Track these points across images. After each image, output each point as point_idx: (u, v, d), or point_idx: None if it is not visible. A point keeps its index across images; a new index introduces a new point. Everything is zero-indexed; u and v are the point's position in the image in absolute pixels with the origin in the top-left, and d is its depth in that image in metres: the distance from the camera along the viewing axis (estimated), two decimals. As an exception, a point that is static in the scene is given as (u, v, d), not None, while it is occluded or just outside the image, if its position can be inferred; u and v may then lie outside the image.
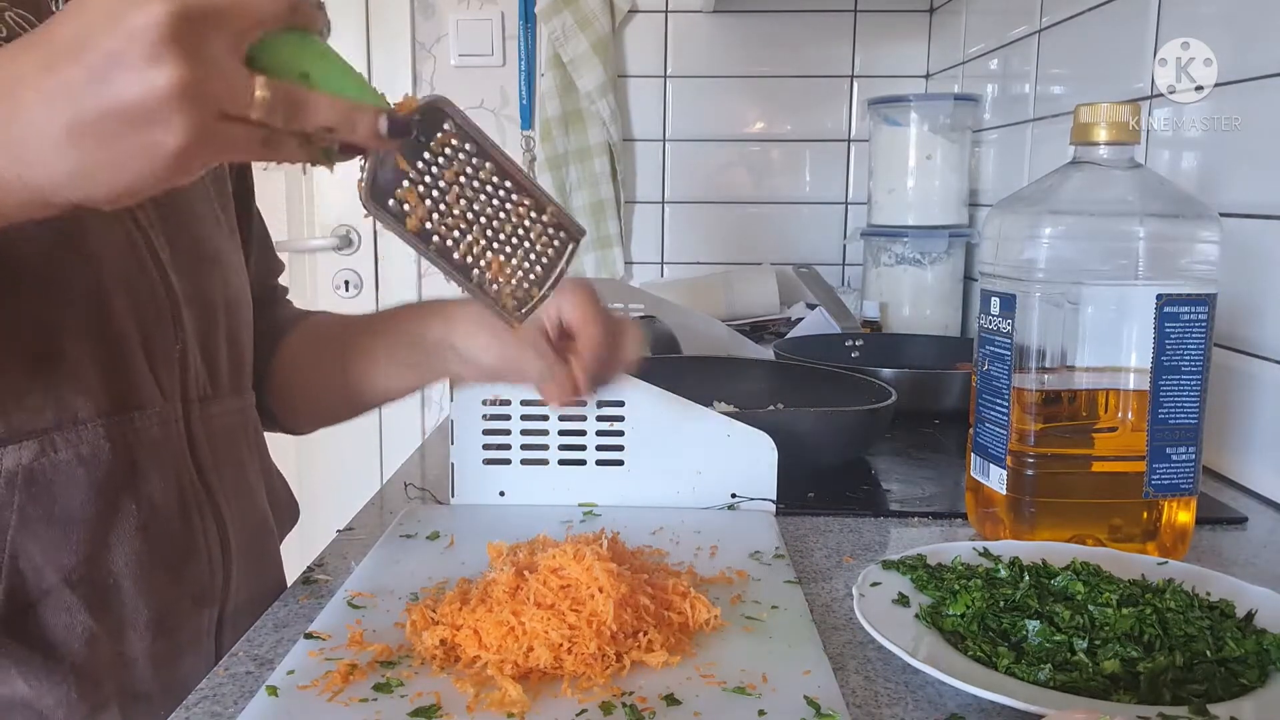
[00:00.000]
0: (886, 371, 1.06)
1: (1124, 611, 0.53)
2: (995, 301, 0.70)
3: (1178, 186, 0.72)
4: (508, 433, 0.78)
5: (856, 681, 0.52)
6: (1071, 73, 1.30)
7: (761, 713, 0.47)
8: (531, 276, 0.55)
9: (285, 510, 0.80)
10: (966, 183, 1.62)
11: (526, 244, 0.54)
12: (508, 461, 0.79)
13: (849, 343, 1.34)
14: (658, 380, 0.78)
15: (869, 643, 0.56)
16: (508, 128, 1.97)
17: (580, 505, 0.79)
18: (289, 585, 0.66)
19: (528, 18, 1.91)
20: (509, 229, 0.53)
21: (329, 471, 1.93)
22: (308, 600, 0.62)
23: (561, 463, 0.79)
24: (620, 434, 0.78)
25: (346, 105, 0.45)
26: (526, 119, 1.95)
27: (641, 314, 1.36)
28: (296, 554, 0.78)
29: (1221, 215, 0.68)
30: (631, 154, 1.96)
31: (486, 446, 0.79)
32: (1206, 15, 0.96)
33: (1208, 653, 0.50)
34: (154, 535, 0.61)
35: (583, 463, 0.78)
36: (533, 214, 0.54)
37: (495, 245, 0.53)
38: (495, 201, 0.53)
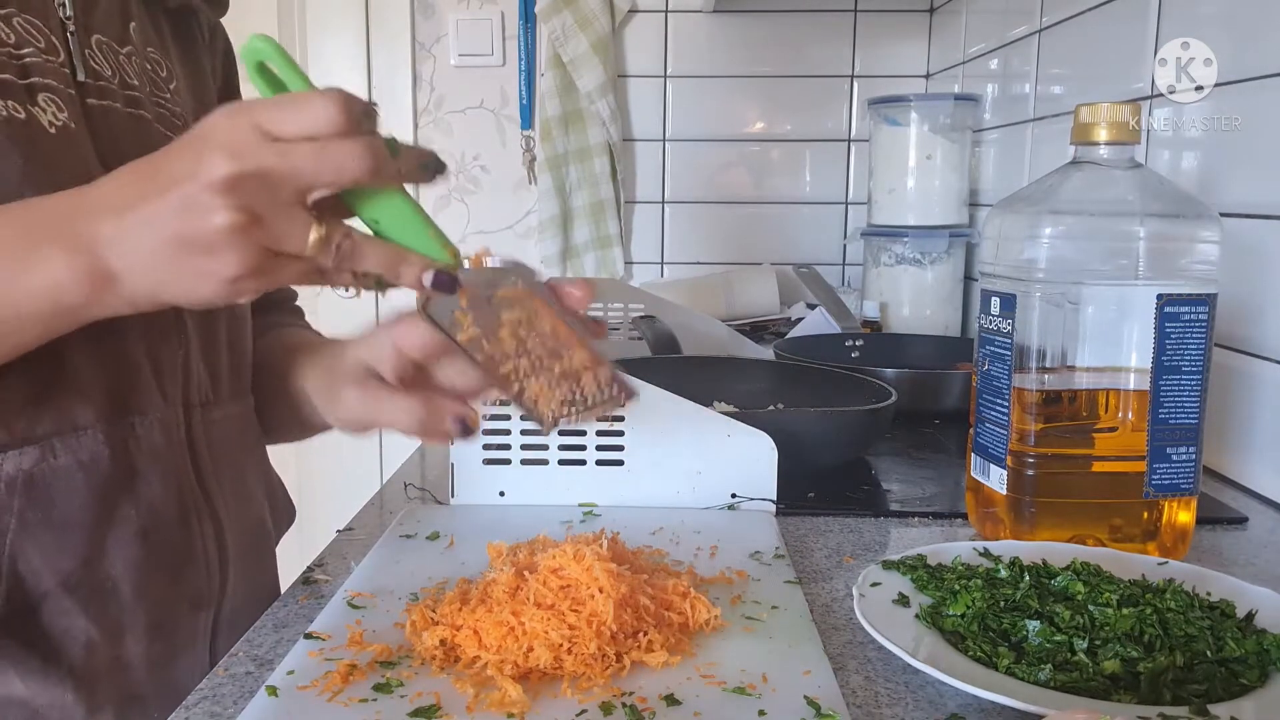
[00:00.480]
0: (886, 371, 1.06)
1: (1124, 611, 0.53)
2: (995, 301, 0.70)
3: (1178, 186, 0.72)
4: (508, 433, 0.78)
5: (857, 681, 0.52)
6: (1071, 73, 1.30)
7: (761, 713, 0.47)
8: (574, 405, 0.55)
9: (283, 513, 0.80)
10: (966, 183, 1.62)
11: (576, 385, 0.55)
12: (508, 461, 0.79)
13: (849, 343, 1.34)
14: (658, 380, 0.78)
15: (869, 643, 0.56)
16: (508, 128, 1.97)
17: (580, 505, 0.79)
18: (289, 586, 0.66)
19: (528, 18, 1.91)
20: (559, 369, 0.54)
21: (329, 471, 1.93)
22: (308, 600, 0.62)
23: (561, 463, 0.79)
24: (620, 434, 0.78)
25: (395, 255, 0.51)
26: (526, 119, 1.95)
27: (641, 314, 1.36)
28: (296, 554, 0.78)
29: (1221, 215, 0.68)
30: (631, 154, 1.96)
31: (486, 446, 0.79)
32: (1206, 15, 0.96)
33: (1208, 653, 0.50)
34: (153, 540, 0.61)
35: (583, 463, 0.78)
36: (588, 368, 0.55)
37: (543, 376, 0.55)
38: (549, 346, 0.54)
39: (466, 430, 0.58)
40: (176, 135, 0.54)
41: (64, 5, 0.59)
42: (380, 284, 0.52)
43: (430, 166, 0.52)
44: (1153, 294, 0.66)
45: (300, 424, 0.73)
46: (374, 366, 0.60)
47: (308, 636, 0.55)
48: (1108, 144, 0.68)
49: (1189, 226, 0.67)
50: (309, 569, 0.68)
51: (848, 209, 1.97)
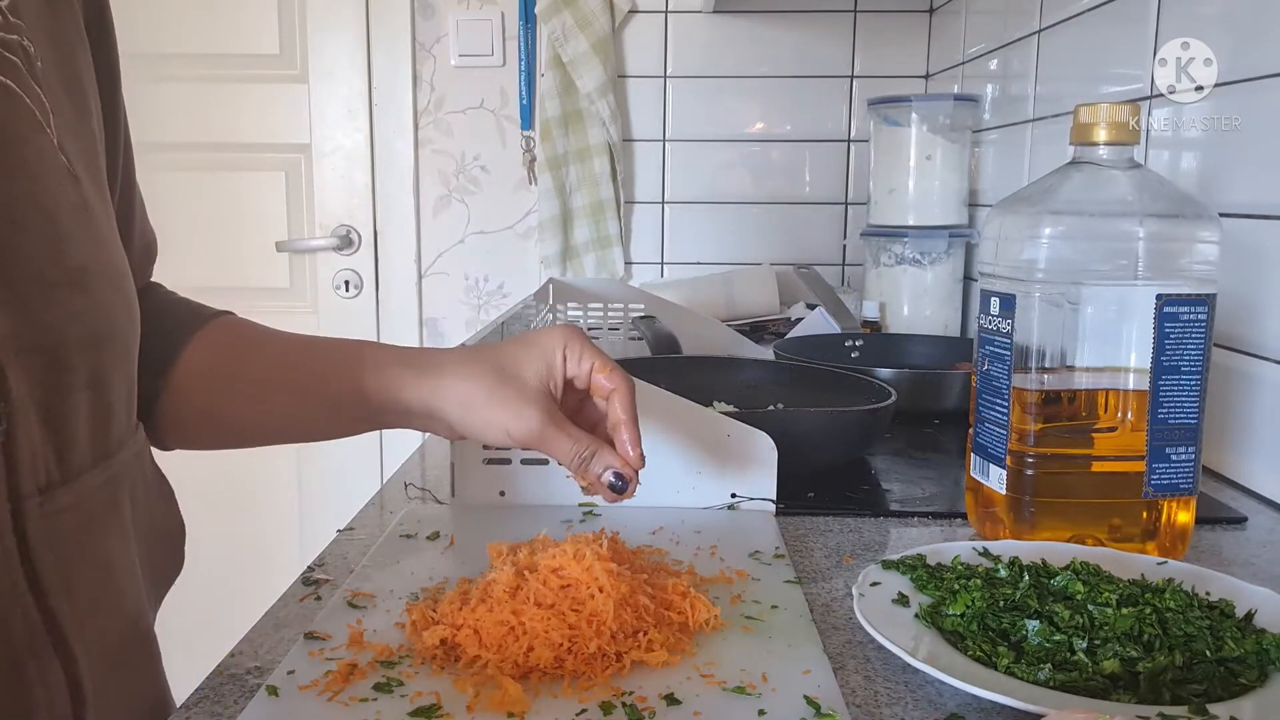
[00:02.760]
0: (886, 371, 1.06)
1: (1124, 611, 0.53)
2: (995, 302, 0.70)
3: (1177, 186, 0.72)
4: (508, 433, 0.78)
5: (856, 681, 0.52)
6: (1071, 73, 1.31)
7: (761, 712, 0.47)
8: None
9: (169, 568, 0.65)
10: (966, 183, 1.62)
11: None
12: (508, 461, 0.79)
13: (849, 343, 1.34)
14: (658, 380, 0.78)
15: (869, 642, 0.56)
16: (508, 128, 1.97)
17: (580, 505, 0.79)
18: (289, 586, 0.66)
19: (528, 18, 1.91)
20: None
21: (329, 471, 1.93)
22: (308, 600, 0.62)
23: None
24: (620, 434, 0.78)
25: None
26: (526, 119, 1.95)
27: (641, 314, 1.36)
28: (296, 554, 0.78)
29: (1221, 215, 0.68)
30: (631, 154, 1.96)
31: (487, 446, 0.79)
32: (1206, 15, 0.96)
33: (1207, 652, 0.51)
34: None
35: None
36: None
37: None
38: None
39: (619, 488, 0.59)
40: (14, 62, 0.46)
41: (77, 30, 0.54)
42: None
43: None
44: (1152, 294, 0.66)
45: (326, 428, 0.65)
46: (548, 383, 0.60)
47: (308, 636, 0.55)
48: (1107, 144, 0.68)
49: (1188, 226, 0.67)
50: (309, 569, 0.68)
51: (848, 209, 1.97)
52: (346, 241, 1.99)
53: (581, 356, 0.61)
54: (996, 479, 0.70)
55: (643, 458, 0.60)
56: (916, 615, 0.56)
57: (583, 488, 0.62)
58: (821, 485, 0.85)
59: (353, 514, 0.80)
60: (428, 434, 0.84)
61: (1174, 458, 0.67)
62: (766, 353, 1.27)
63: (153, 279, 0.71)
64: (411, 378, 0.62)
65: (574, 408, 0.64)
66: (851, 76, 1.94)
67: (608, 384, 0.61)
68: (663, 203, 1.98)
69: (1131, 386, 0.68)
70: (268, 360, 0.65)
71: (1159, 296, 0.66)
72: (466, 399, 0.60)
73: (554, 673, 0.51)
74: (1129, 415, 0.68)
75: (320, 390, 0.64)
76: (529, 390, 0.60)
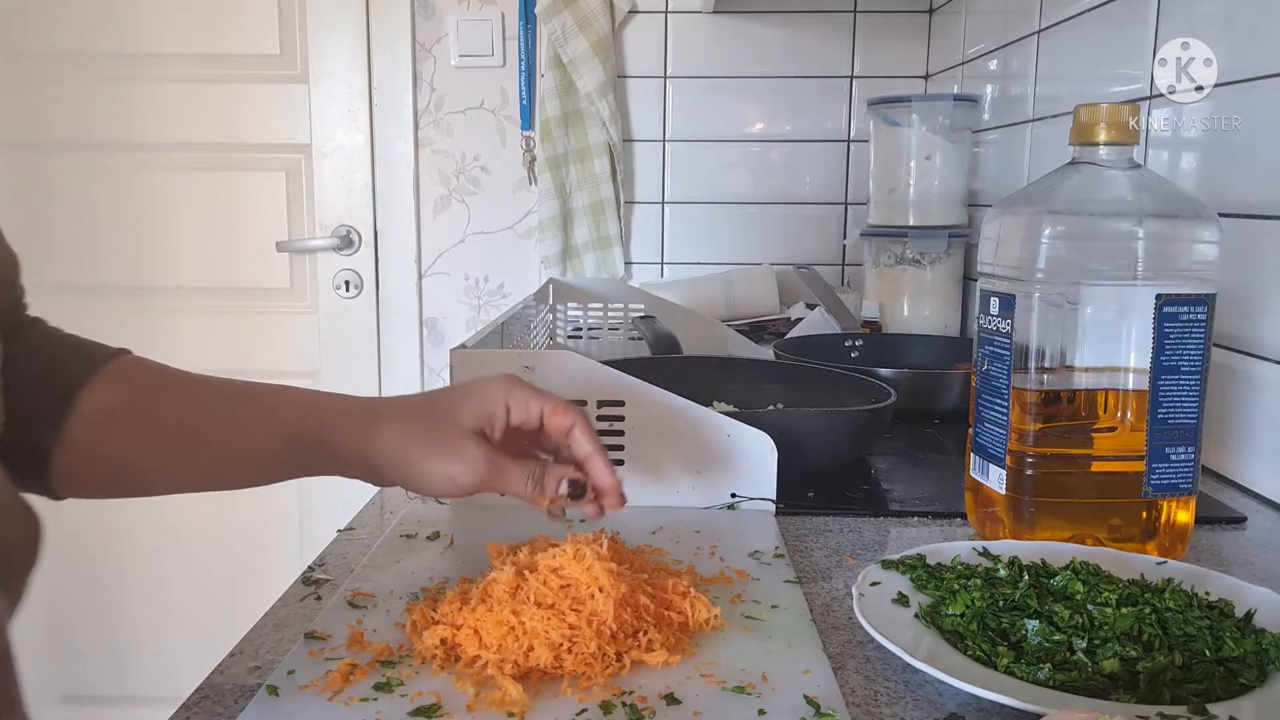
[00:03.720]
0: (886, 371, 1.06)
1: (1123, 611, 0.53)
2: (995, 302, 0.70)
3: (1177, 186, 0.72)
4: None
5: (856, 681, 0.52)
6: (1071, 73, 1.31)
7: (761, 712, 0.47)
8: None
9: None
10: (966, 183, 1.62)
11: None
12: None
13: (849, 343, 1.34)
14: (658, 380, 0.78)
15: (868, 642, 0.56)
16: (508, 128, 1.97)
17: (580, 505, 0.79)
18: (289, 585, 0.66)
19: (528, 18, 1.91)
20: None
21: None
22: (308, 600, 0.63)
23: (561, 463, 0.79)
24: (620, 434, 0.78)
25: None
26: (526, 119, 1.95)
27: (641, 314, 1.36)
28: (296, 554, 0.78)
29: (1221, 215, 0.68)
30: (631, 154, 1.96)
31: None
32: (1206, 15, 0.96)
33: (1207, 652, 0.51)
34: None
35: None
36: None
37: None
38: None
39: (577, 494, 0.59)
40: None
41: None
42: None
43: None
44: (1152, 294, 0.66)
45: (247, 477, 0.60)
46: (483, 428, 0.59)
47: (308, 636, 0.55)
48: (1107, 144, 0.68)
49: (1188, 227, 0.67)
50: (309, 569, 0.68)
51: (848, 209, 1.97)
52: (346, 241, 1.99)
53: (528, 403, 0.60)
54: (996, 479, 0.70)
55: (619, 482, 0.61)
56: (916, 615, 0.56)
57: (548, 512, 0.61)
58: (821, 485, 0.85)
59: (353, 514, 0.80)
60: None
61: (1174, 458, 0.67)
62: (766, 353, 1.27)
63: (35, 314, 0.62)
64: (345, 425, 0.59)
65: (516, 454, 0.62)
66: (851, 76, 1.93)
67: (564, 421, 0.60)
68: (663, 203, 1.98)
69: (1131, 386, 0.68)
70: (184, 404, 0.60)
71: (1159, 296, 0.66)
72: (404, 448, 0.58)
73: (554, 673, 0.51)
74: (1129, 415, 0.68)
75: (245, 437, 0.59)
76: (469, 436, 0.59)
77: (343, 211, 1.99)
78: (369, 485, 0.63)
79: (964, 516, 0.77)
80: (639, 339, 1.33)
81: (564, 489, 0.59)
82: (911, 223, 1.62)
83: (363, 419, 0.59)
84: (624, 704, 0.48)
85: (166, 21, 1.96)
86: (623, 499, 0.61)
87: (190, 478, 0.60)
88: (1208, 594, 0.58)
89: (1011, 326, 0.68)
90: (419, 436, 0.58)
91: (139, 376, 0.60)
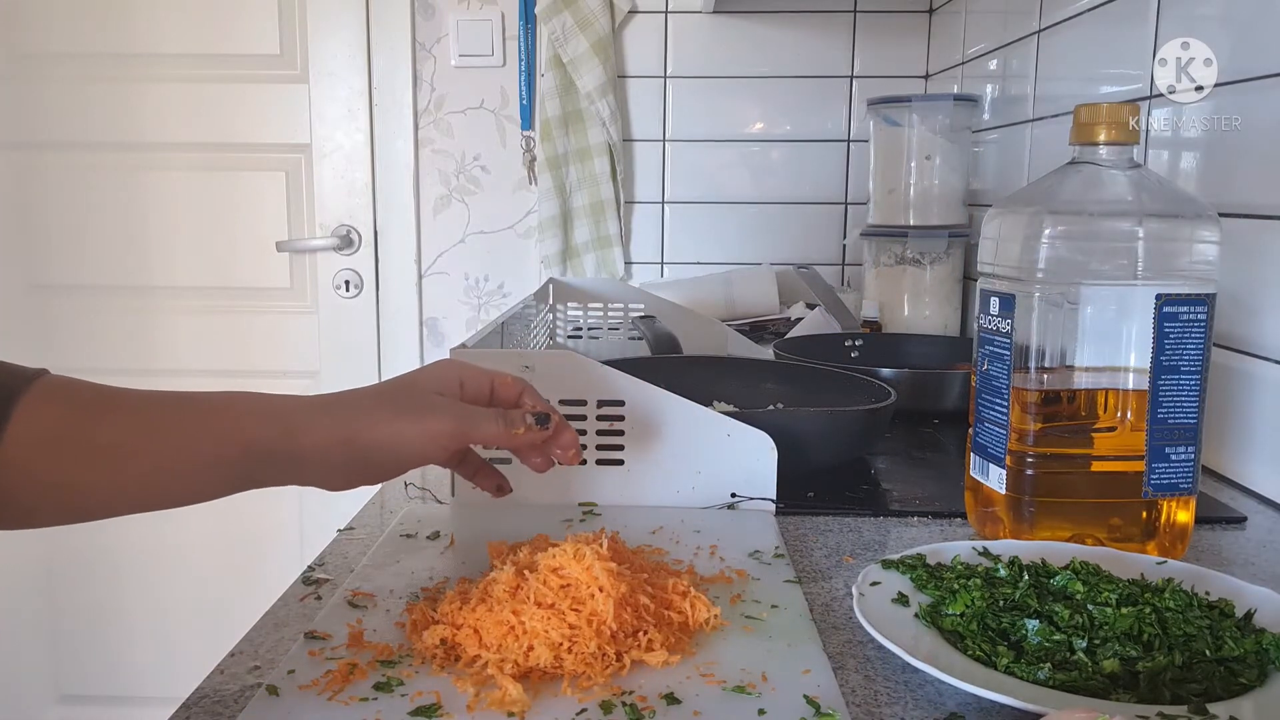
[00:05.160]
0: (886, 371, 1.06)
1: (1123, 611, 0.53)
2: (995, 301, 0.70)
3: (1177, 186, 0.72)
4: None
5: (856, 681, 0.52)
6: (1071, 73, 1.31)
7: (761, 712, 0.47)
8: None
9: None
10: (966, 183, 1.62)
11: None
12: (508, 460, 0.79)
13: (849, 343, 1.34)
14: (658, 380, 0.78)
15: (868, 642, 0.56)
16: (508, 128, 1.97)
17: (580, 505, 0.79)
18: (289, 585, 0.66)
19: (528, 18, 1.91)
20: None
21: (329, 471, 1.93)
22: (308, 600, 0.63)
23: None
24: (620, 434, 0.78)
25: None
26: (526, 119, 1.95)
27: (641, 314, 1.36)
28: (296, 554, 0.78)
29: (1221, 215, 0.68)
30: (631, 154, 1.96)
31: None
32: (1206, 15, 0.96)
33: (1207, 652, 0.51)
34: None
35: (583, 462, 0.78)
36: None
37: None
38: None
39: (543, 423, 0.63)
40: None
41: None
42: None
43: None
44: (1152, 294, 0.66)
45: (194, 492, 0.57)
46: (443, 393, 0.62)
47: (308, 636, 0.55)
48: (1107, 144, 0.68)
49: (1188, 226, 0.67)
50: (309, 569, 0.68)
51: (848, 209, 1.97)
52: (346, 241, 1.99)
53: (478, 377, 0.64)
54: (996, 479, 0.70)
55: (576, 437, 0.65)
56: (916, 615, 0.56)
57: (533, 465, 0.65)
58: (821, 485, 0.85)
59: (353, 514, 0.80)
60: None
61: (1173, 457, 0.67)
62: (766, 353, 1.27)
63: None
64: (310, 420, 0.57)
65: None
66: (851, 76, 1.94)
67: (514, 388, 0.64)
68: (663, 203, 1.98)
69: (1131, 386, 0.68)
70: (122, 422, 0.56)
71: (1159, 296, 0.66)
72: (376, 418, 0.58)
73: (554, 672, 0.51)
74: (1128, 415, 0.68)
75: (192, 449, 0.56)
76: (435, 394, 0.61)
77: (343, 211, 1.99)
78: (362, 488, 0.62)
79: (964, 516, 0.77)
80: (639, 339, 1.33)
81: (529, 419, 0.62)
82: (911, 223, 1.62)
83: (327, 410, 0.58)
84: (624, 704, 0.48)
85: (166, 21, 1.96)
86: (578, 451, 0.65)
87: (128, 500, 0.57)
88: (1208, 594, 0.58)
89: (1011, 326, 0.68)
90: (386, 405, 0.59)
91: (71, 397, 0.56)
